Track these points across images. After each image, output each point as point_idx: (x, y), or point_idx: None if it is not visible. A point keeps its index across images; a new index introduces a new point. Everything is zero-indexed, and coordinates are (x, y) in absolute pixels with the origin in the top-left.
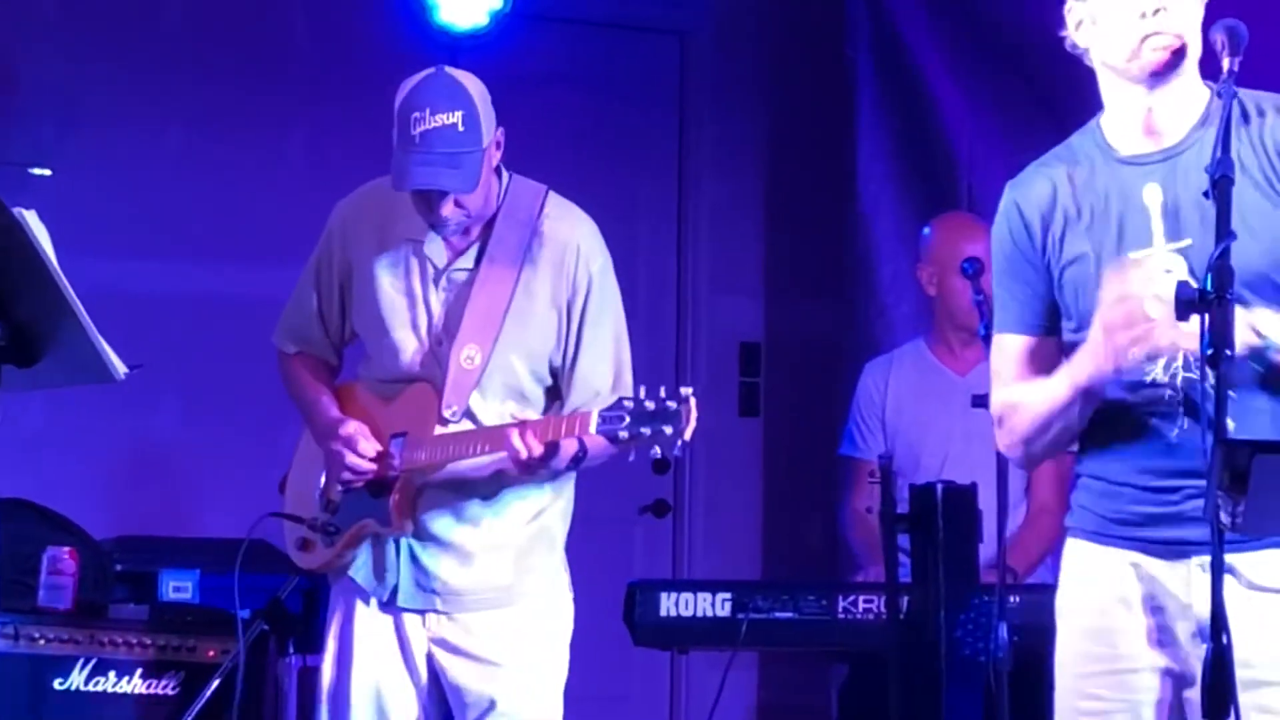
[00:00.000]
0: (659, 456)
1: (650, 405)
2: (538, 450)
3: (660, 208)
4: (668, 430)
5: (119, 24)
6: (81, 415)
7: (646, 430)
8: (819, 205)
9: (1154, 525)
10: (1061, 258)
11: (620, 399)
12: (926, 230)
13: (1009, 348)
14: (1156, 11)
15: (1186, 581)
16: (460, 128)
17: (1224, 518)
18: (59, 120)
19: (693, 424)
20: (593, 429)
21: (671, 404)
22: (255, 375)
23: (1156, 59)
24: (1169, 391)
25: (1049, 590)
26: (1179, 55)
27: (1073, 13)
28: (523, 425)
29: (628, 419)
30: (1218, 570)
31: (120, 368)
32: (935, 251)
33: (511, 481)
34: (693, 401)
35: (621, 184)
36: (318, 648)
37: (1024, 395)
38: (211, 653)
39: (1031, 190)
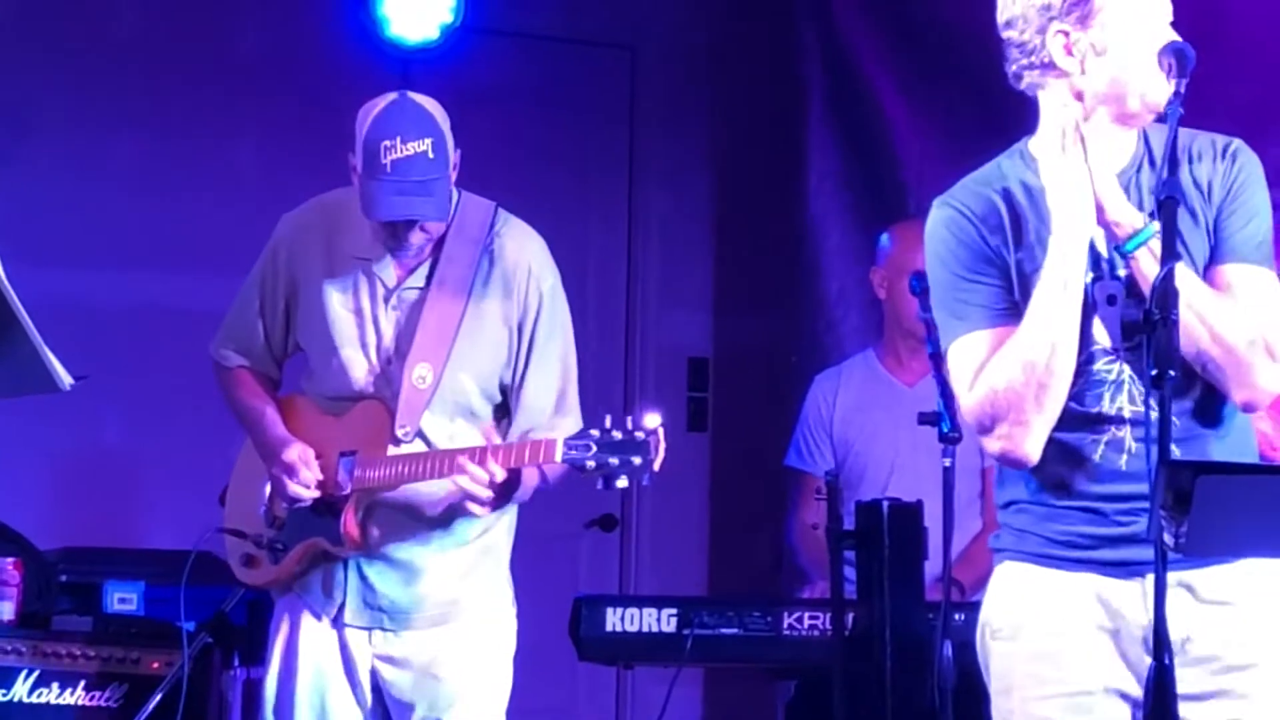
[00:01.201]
0: (625, 486)
1: (618, 435)
2: (500, 475)
3: (610, 221)
4: (636, 461)
5: (69, 34)
6: (26, 424)
7: (614, 460)
8: (768, 220)
9: (1108, 546)
10: (1017, 265)
11: (586, 429)
12: (885, 236)
13: (973, 345)
14: None
15: (1142, 597)
16: (430, 155)
17: (1168, 538)
18: (6, 128)
19: (661, 455)
20: (558, 457)
21: (639, 434)
22: (202, 387)
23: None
24: (1115, 426)
25: None
26: None
27: (1062, 38)
28: (485, 450)
29: (594, 448)
30: (1160, 592)
31: (66, 378)
32: (893, 257)
33: (461, 513)
34: (661, 432)
35: (571, 197)
36: (262, 660)
37: (1000, 364)
38: (156, 665)
39: (975, 202)
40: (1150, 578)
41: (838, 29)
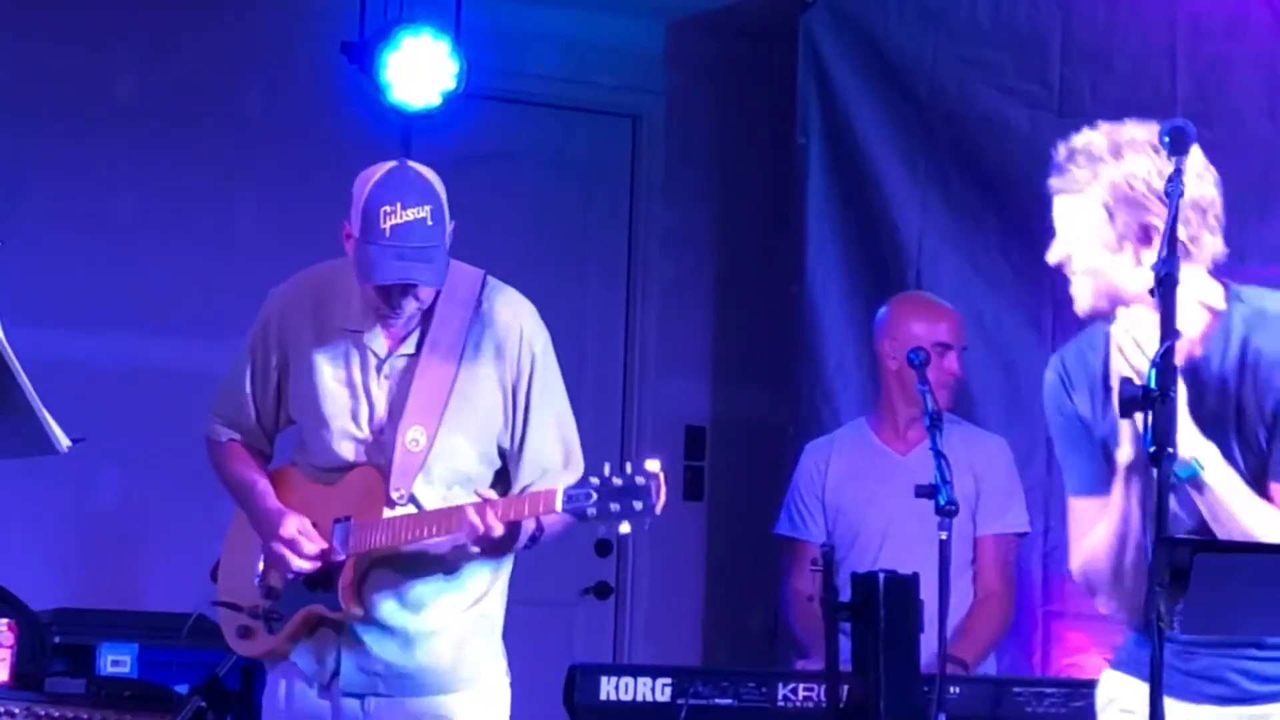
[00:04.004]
0: (628, 532)
1: (618, 481)
2: (497, 530)
3: (609, 287)
4: (638, 505)
5: (69, 94)
6: (22, 485)
7: (615, 506)
8: (767, 290)
9: None
10: (1103, 441)
11: (586, 476)
12: (883, 310)
13: (1075, 510)
14: None
15: None
16: (429, 222)
17: (1165, 617)
18: (6, 189)
19: (663, 499)
20: (559, 507)
21: (640, 479)
22: (197, 449)
23: None
24: None
25: (988, 683)
26: None
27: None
28: (485, 504)
29: (595, 496)
30: (1156, 673)
31: (64, 440)
32: (895, 329)
33: (466, 558)
34: (662, 477)
35: (571, 263)
36: None
37: (1090, 542)
38: None
39: (1076, 366)
40: None
41: (838, 99)
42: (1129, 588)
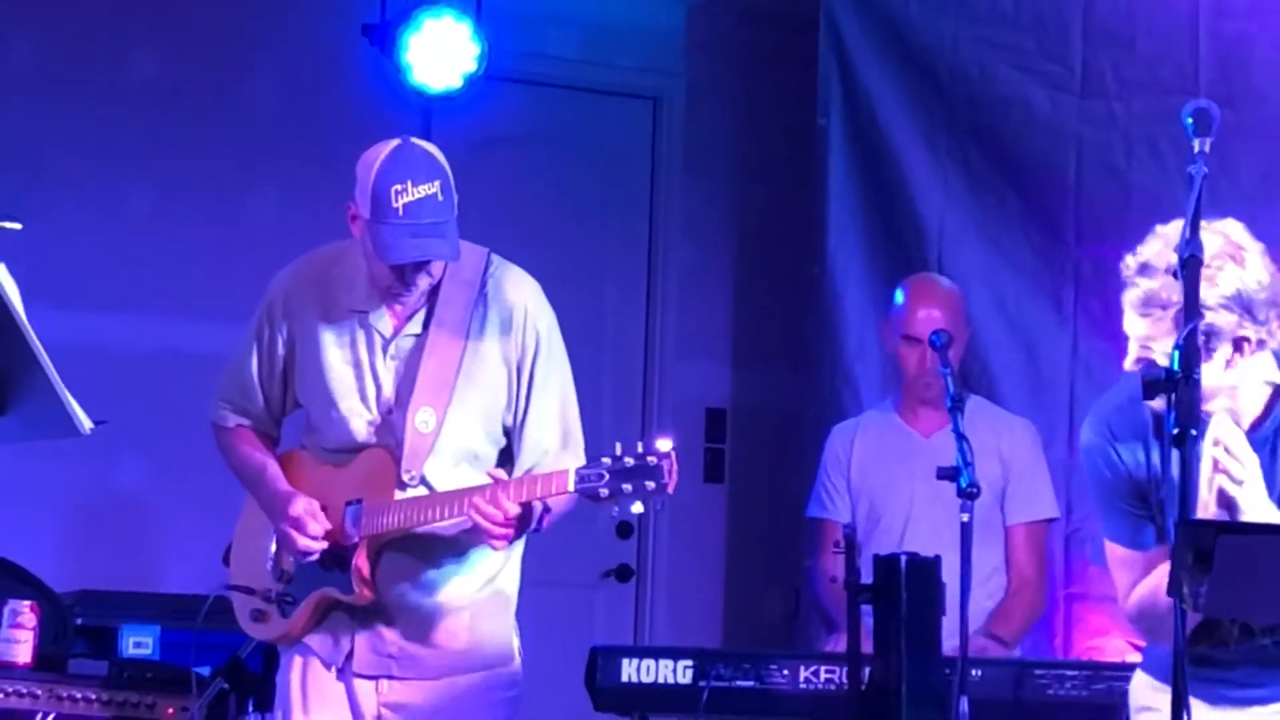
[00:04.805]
0: (641, 512)
1: (630, 461)
2: (512, 511)
3: (629, 271)
4: (650, 485)
5: (90, 77)
6: (44, 468)
7: (628, 487)
8: (788, 272)
9: None
10: (1156, 499)
11: (598, 457)
12: (898, 292)
13: (1124, 560)
14: None
15: None
16: (440, 197)
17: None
18: (29, 173)
19: (675, 478)
20: (571, 487)
21: (652, 459)
22: None
23: None
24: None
25: (1010, 665)
26: None
27: None
28: (496, 486)
29: (607, 476)
30: (1180, 658)
31: (86, 422)
32: (899, 314)
33: (478, 539)
34: (674, 456)
35: (591, 247)
36: (276, 707)
37: (1144, 590)
38: (170, 710)
39: (1122, 425)
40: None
41: (860, 82)
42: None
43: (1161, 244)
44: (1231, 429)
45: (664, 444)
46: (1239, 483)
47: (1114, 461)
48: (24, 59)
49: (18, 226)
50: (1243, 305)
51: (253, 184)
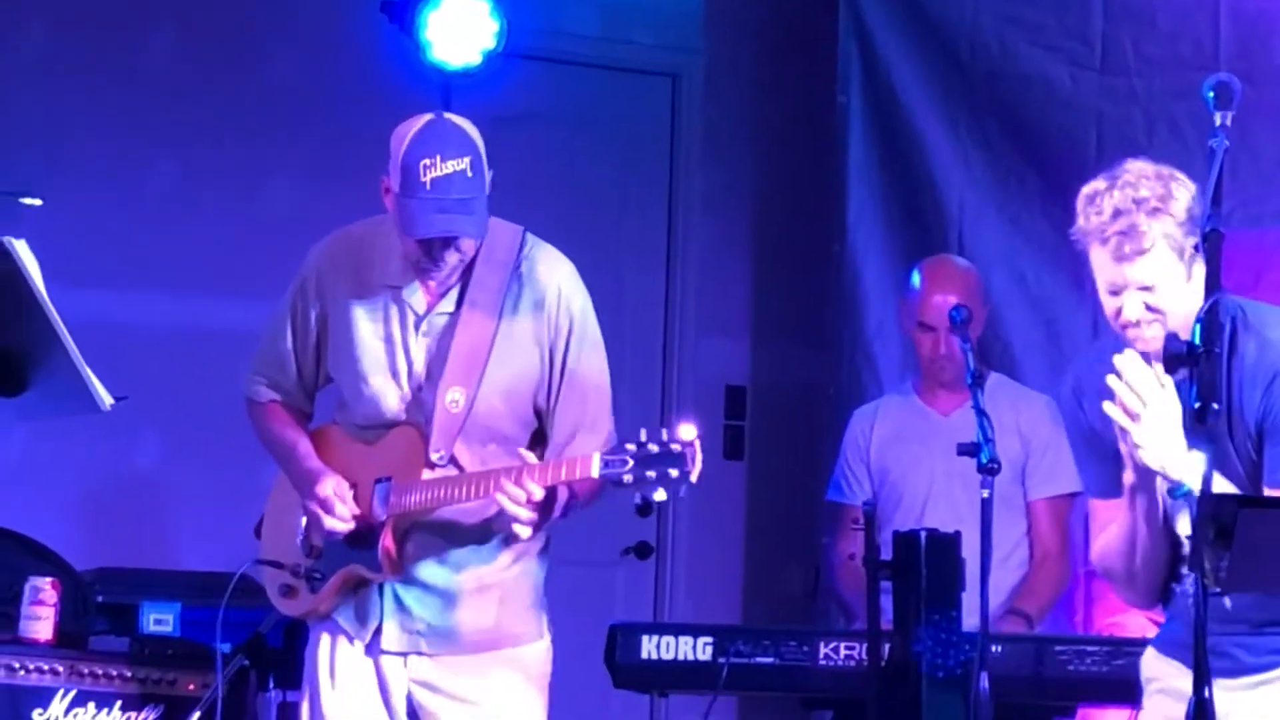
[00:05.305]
0: (664, 499)
1: (654, 448)
2: (538, 494)
3: (649, 249)
4: (674, 473)
5: (109, 56)
6: (64, 445)
7: (651, 473)
8: (807, 250)
9: None
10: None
11: (622, 442)
12: (915, 274)
13: (1093, 509)
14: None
15: None
16: (469, 173)
17: (1209, 572)
18: (49, 150)
19: (698, 466)
20: (595, 472)
21: (676, 446)
22: (238, 409)
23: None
24: None
25: (1030, 641)
26: None
27: None
28: (522, 469)
29: (631, 462)
30: (1201, 629)
31: (106, 399)
32: (916, 295)
33: (503, 526)
34: (698, 444)
35: (610, 224)
36: (298, 683)
37: (1104, 541)
38: (191, 686)
39: (1089, 375)
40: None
41: (880, 59)
42: (1140, 588)
43: (1105, 181)
44: (1136, 364)
45: (688, 431)
46: (1134, 417)
47: (1079, 414)
48: (45, 38)
49: (38, 203)
50: (1194, 223)
51: (272, 162)
